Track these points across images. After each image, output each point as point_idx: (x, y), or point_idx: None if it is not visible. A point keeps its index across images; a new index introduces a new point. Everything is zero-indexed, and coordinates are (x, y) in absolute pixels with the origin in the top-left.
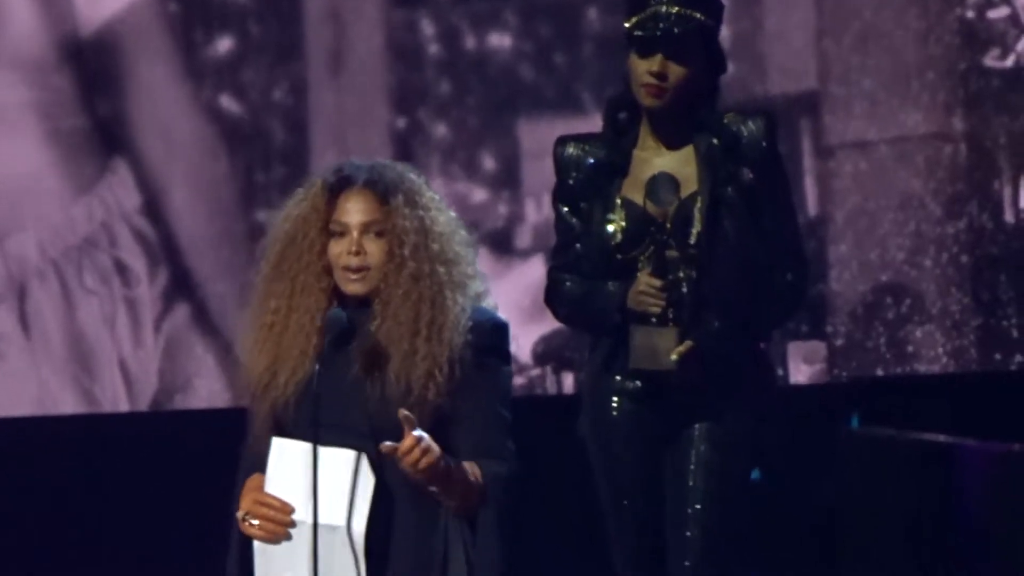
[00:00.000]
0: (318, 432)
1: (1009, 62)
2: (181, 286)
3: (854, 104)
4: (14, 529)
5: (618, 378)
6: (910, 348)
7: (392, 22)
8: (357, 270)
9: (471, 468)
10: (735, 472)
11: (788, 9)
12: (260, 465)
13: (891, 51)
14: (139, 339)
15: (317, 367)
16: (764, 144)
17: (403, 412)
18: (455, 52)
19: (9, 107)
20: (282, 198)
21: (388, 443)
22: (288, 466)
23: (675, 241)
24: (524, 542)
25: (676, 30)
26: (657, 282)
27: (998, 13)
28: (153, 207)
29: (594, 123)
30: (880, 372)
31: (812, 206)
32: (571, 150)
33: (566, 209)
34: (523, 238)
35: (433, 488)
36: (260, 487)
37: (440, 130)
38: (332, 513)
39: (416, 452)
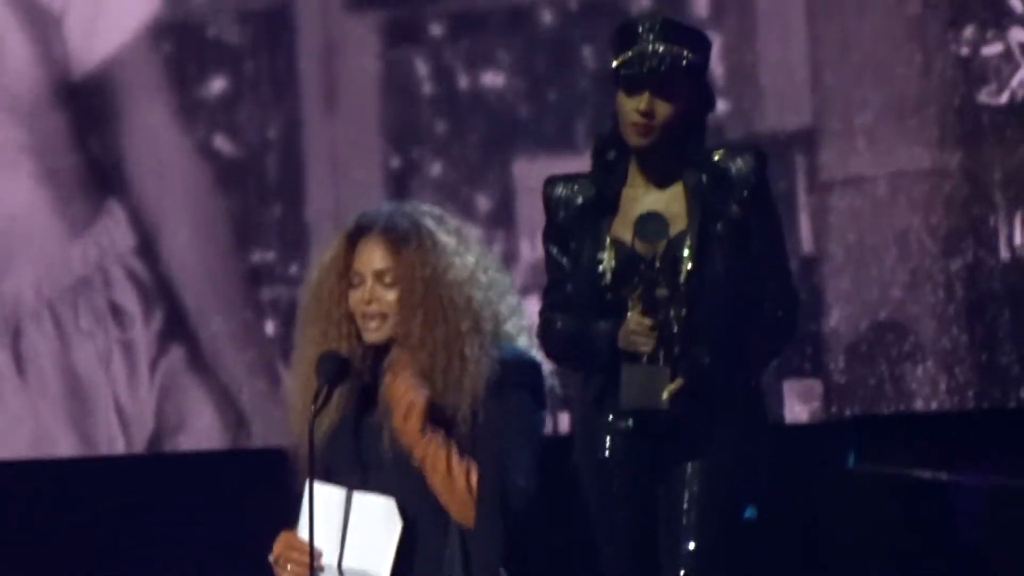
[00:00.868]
0: (313, 476)
1: (1004, 98)
2: (176, 327)
3: (850, 140)
4: (11, 573)
5: (610, 417)
6: (907, 385)
7: (386, 60)
8: (373, 318)
9: (469, 468)
10: (728, 510)
11: (783, 44)
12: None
13: (887, 87)
14: (135, 380)
15: (312, 408)
16: (753, 180)
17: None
18: (449, 90)
19: (3, 147)
20: (278, 238)
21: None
22: (318, 510)
23: (665, 279)
24: None
25: (663, 68)
26: (647, 321)
27: (992, 49)
28: (148, 248)
29: (588, 160)
30: (876, 409)
31: (808, 242)
32: (560, 190)
33: (556, 249)
34: (518, 276)
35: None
36: (294, 530)
37: (435, 168)
38: (358, 558)
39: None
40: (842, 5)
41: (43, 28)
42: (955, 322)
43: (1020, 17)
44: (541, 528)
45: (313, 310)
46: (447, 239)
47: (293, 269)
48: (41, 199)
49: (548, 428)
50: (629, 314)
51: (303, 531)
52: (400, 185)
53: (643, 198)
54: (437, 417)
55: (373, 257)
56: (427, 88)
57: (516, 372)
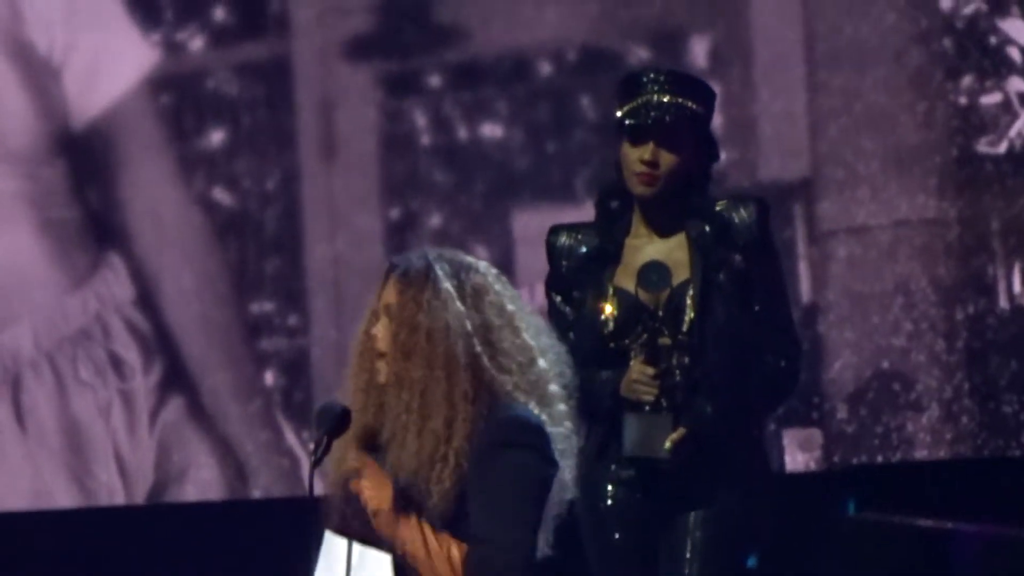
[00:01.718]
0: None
1: (1003, 147)
2: (176, 378)
3: (850, 189)
4: None
5: (612, 466)
6: (908, 434)
7: (384, 111)
8: (379, 357)
9: (452, 545)
10: (731, 559)
11: (782, 95)
12: None
13: (885, 137)
14: (134, 431)
15: (312, 460)
16: (756, 229)
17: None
18: (449, 141)
19: (2, 198)
20: (277, 289)
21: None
22: (327, 558)
23: (667, 328)
24: None
25: (668, 119)
26: (650, 370)
27: (991, 99)
28: (147, 299)
29: (587, 211)
30: (876, 459)
31: (807, 292)
32: (563, 239)
33: (559, 298)
34: None
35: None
36: None
37: (435, 219)
38: None
39: (365, 487)
40: (841, 56)
41: (42, 80)
42: (956, 371)
43: (1018, 67)
44: None
45: (353, 348)
46: (451, 289)
47: (292, 320)
48: (40, 250)
49: None
50: (632, 363)
51: None
52: (399, 236)
53: (646, 247)
54: (410, 497)
55: (387, 294)
56: (426, 139)
57: (510, 432)
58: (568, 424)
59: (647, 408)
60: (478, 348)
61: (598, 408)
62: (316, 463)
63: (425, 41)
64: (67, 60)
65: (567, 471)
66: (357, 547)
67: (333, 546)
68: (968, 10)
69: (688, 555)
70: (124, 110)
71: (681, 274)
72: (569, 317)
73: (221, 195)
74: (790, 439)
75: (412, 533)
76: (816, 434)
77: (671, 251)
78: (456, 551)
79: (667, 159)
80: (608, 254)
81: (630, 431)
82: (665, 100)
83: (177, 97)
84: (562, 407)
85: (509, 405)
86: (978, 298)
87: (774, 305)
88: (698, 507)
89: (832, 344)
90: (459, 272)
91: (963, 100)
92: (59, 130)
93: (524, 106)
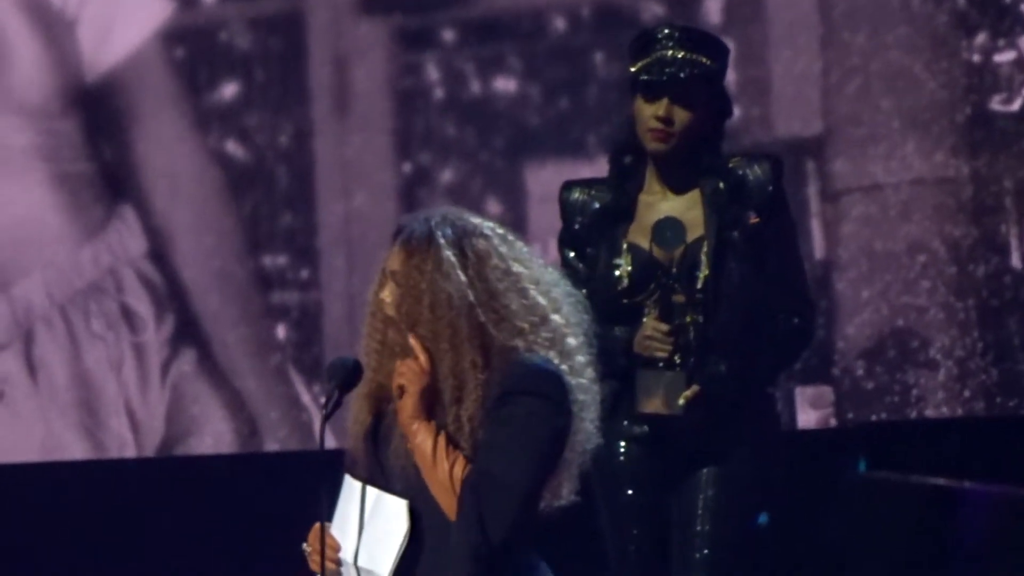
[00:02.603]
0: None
1: (1015, 106)
2: (187, 331)
3: (861, 148)
4: (20, 575)
5: (625, 423)
6: (917, 392)
7: (398, 66)
8: (388, 320)
9: (455, 461)
10: (742, 516)
11: (795, 54)
12: None
13: (898, 95)
14: (146, 385)
15: (323, 413)
16: (770, 188)
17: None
18: (460, 96)
19: (15, 151)
20: (289, 243)
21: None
22: (345, 503)
23: (681, 285)
24: None
25: (682, 75)
26: (664, 326)
27: (1004, 57)
28: (159, 252)
29: (600, 167)
30: (887, 416)
31: (819, 250)
32: (577, 195)
33: (572, 254)
34: None
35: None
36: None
37: (446, 175)
38: (368, 555)
39: (403, 374)
40: (854, 14)
41: (56, 33)
42: (969, 329)
43: None
44: (551, 538)
45: (367, 309)
46: (452, 258)
47: (304, 274)
48: (53, 203)
49: None
50: (645, 319)
51: (334, 524)
52: (411, 191)
53: (660, 204)
54: (435, 414)
55: (392, 260)
56: (440, 95)
57: (525, 380)
58: (589, 373)
59: (660, 365)
60: (482, 318)
61: (611, 365)
62: (327, 416)
63: None
64: (81, 13)
65: (588, 421)
66: (373, 493)
67: (352, 493)
68: None
69: (700, 512)
70: (138, 63)
71: (695, 231)
72: (582, 274)
73: (234, 149)
74: (802, 396)
75: (427, 433)
76: (828, 391)
77: (685, 208)
78: (459, 469)
79: (681, 116)
80: (622, 210)
81: (643, 388)
82: (679, 56)
83: (191, 50)
84: (581, 358)
85: (526, 358)
86: (992, 256)
87: (788, 263)
88: (710, 464)
89: (845, 302)
90: (461, 238)
91: (977, 58)
92: (73, 83)
93: (538, 62)
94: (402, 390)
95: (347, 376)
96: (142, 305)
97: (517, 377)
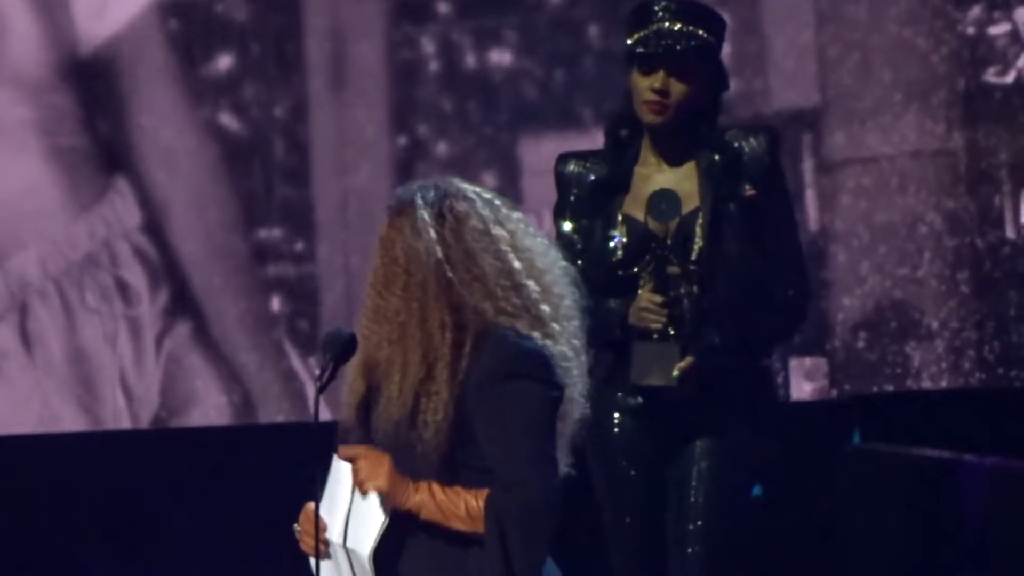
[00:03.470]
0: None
1: (1010, 78)
2: (182, 304)
3: (856, 120)
4: (16, 547)
5: (619, 394)
6: (912, 364)
7: (393, 39)
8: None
9: (468, 498)
10: (736, 488)
11: (790, 27)
12: None
13: (892, 67)
14: (140, 357)
15: (317, 386)
16: (766, 160)
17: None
18: (456, 69)
19: (9, 124)
20: (283, 215)
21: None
22: (333, 483)
23: (676, 257)
24: None
25: (678, 47)
26: (658, 298)
27: (999, 29)
28: (154, 225)
29: (595, 140)
30: (883, 388)
31: (814, 222)
32: (572, 167)
33: (568, 226)
34: None
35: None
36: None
37: (441, 147)
38: (354, 534)
39: (360, 471)
40: None
41: (50, 6)
42: (964, 302)
43: None
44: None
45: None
46: (428, 217)
47: (299, 246)
48: (48, 176)
49: None
50: (640, 291)
51: (323, 504)
52: (406, 164)
53: (655, 176)
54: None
55: (380, 227)
56: (435, 67)
57: (509, 362)
58: (572, 341)
59: (655, 336)
60: (450, 274)
61: (606, 336)
62: (321, 388)
63: None
64: None
65: (575, 389)
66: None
67: (339, 472)
68: None
69: (694, 484)
70: (132, 35)
71: (690, 203)
72: (578, 245)
73: (230, 121)
74: (796, 368)
75: (422, 499)
76: (822, 363)
77: (681, 180)
78: (473, 501)
79: (677, 88)
80: (617, 182)
81: (638, 359)
82: (675, 28)
83: (185, 22)
84: (557, 326)
85: (503, 335)
86: (986, 229)
87: (783, 235)
88: (705, 436)
89: (841, 274)
90: (442, 199)
91: (972, 31)
92: (68, 56)
93: (533, 35)
94: (379, 493)
95: (342, 348)
96: (137, 278)
97: (503, 358)
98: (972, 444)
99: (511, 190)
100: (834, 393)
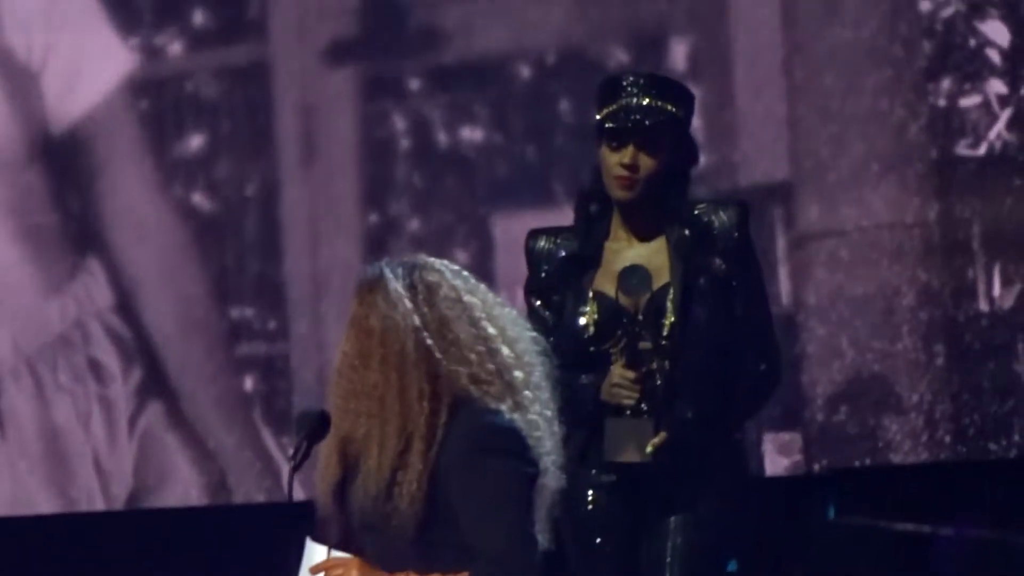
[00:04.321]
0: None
1: (982, 150)
2: (155, 383)
3: (829, 193)
4: None
5: (593, 471)
6: (887, 437)
7: (364, 115)
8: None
9: None
10: (711, 563)
11: (761, 98)
12: None
13: (864, 140)
14: (114, 437)
15: (291, 465)
16: (736, 234)
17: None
18: (427, 146)
19: None
20: (256, 294)
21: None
22: (306, 563)
23: (648, 332)
24: None
25: (647, 122)
26: (631, 374)
27: (970, 101)
28: (126, 304)
29: (568, 215)
30: (857, 462)
31: (786, 295)
32: (543, 243)
33: (539, 302)
34: None
35: None
36: None
37: (413, 224)
38: None
39: None
40: (818, 58)
41: (20, 84)
42: (937, 374)
43: (998, 68)
44: None
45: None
46: (401, 289)
47: (271, 325)
48: (19, 255)
49: None
50: (612, 367)
51: None
52: (378, 240)
53: (626, 251)
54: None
55: (351, 307)
56: (406, 143)
57: (484, 437)
58: (542, 411)
59: (628, 412)
60: (429, 341)
61: (579, 413)
62: (295, 468)
63: (404, 45)
64: (46, 64)
65: (549, 459)
66: (335, 553)
67: (313, 553)
68: (947, 13)
69: (669, 560)
70: (103, 114)
71: (661, 278)
72: (549, 322)
73: (201, 200)
74: (770, 443)
75: None
76: (796, 438)
77: (651, 255)
78: None
79: (646, 162)
80: (588, 258)
81: (611, 436)
82: (644, 103)
83: (156, 101)
84: (529, 393)
85: (477, 410)
86: (959, 301)
87: (754, 309)
88: (679, 512)
89: (813, 347)
90: (412, 272)
91: (943, 103)
92: (38, 135)
93: (504, 110)
94: None
95: (315, 427)
96: (109, 357)
97: (478, 433)
98: (947, 517)
99: (483, 266)
100: (807, 467)
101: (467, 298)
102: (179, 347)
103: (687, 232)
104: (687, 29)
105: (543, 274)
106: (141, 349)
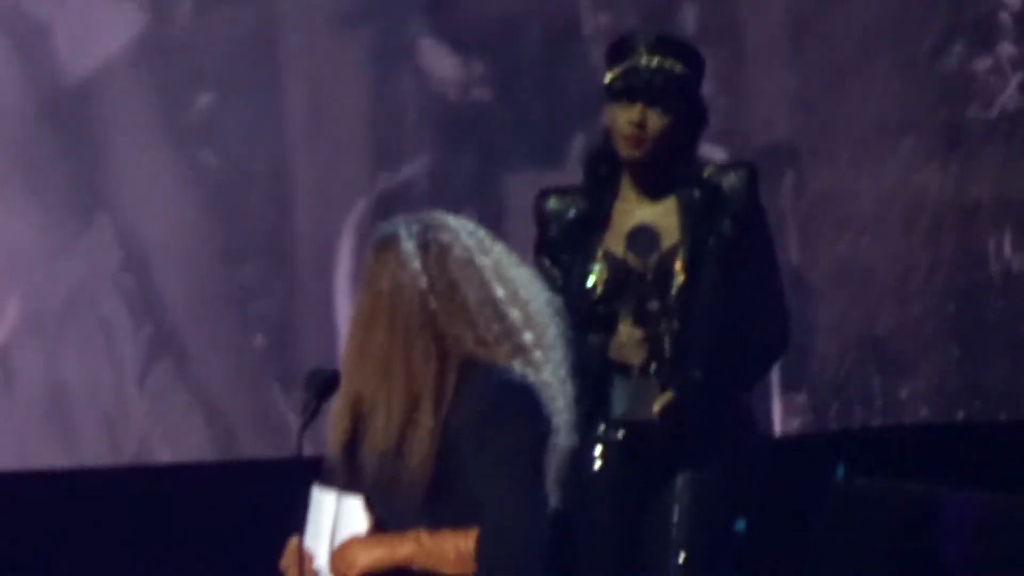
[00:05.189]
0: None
1: (993, 113)
2: (164, 341)
3: (839, 156)
4: None
5: (601, 428)
6: (896, 399)
7: (373, 77)
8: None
9: (457, 541)
10: (718, 523)
11: (771, 62)
12: None
13: (874, 103)
14: (123, 395)
15: (300, 423)
16: (745, 196)
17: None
18: (437, 108)
19: None
20: (265, 253)
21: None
22: (316, 513)
23: (656, 293)
24: None
25: (657, 82)
26: (639, 333)
27: (982, 64)
28: (135, 263)
29: (578, 178)
30: (866, 423)
31: (795, 258)
32: (552, 203)
33: (548, 262)
34: None
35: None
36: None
37: (423, 186)
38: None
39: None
40: (829, 21)
41: (30, 42)
42: (946, 336)
43: (1009, 31)
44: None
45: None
46: (411, 248)
47: (281, 284)
48: (27, 215)
49: None
50: (620, 326)
51: (308, 535)
52: (388, 202)
53: (635, 212)
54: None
55: (365, 264)
56: (416, 105)
57: (497, 399)
58: (555, 371)
59: (635, 372)
60: (433, 305)
61: (587, 371)
62: (304, 425)
63: (414, 6)
64: (56, 22)
65: (561, 418)
66: (339, 499)
67: (321, 502)
68: None
69: (675, 519)
70: (113, 73)
71: (670, 239)
72: (558, 282)
73: (209, 159)
74: (779, 403)
75: (410, 551)
76: (805, 399)
77: (661, 216)
78: (462, 543)
79: (655, 122)
80: (597, 218)
81: (619, 394)
82: (654, 63)
83: (166, 60)
84: (540, 354)
85: (488, 371)
86: (968, 264)
87: (762, 271)
88: (685, 471)
89: (821, 309)
90: (425, 231)
91: (954, 66)
92: (48, 93)
93: (514, 72)
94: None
95: (324, 386)
96: (118, 316)
97: (491, 394)
98: (957, 478)
99: (494, 228)
100: (816, 428)
101: (479, 259)
102: (188, 305)
103: (697, 194)
104: None
105: (552, 234)
106: (150, 307)
